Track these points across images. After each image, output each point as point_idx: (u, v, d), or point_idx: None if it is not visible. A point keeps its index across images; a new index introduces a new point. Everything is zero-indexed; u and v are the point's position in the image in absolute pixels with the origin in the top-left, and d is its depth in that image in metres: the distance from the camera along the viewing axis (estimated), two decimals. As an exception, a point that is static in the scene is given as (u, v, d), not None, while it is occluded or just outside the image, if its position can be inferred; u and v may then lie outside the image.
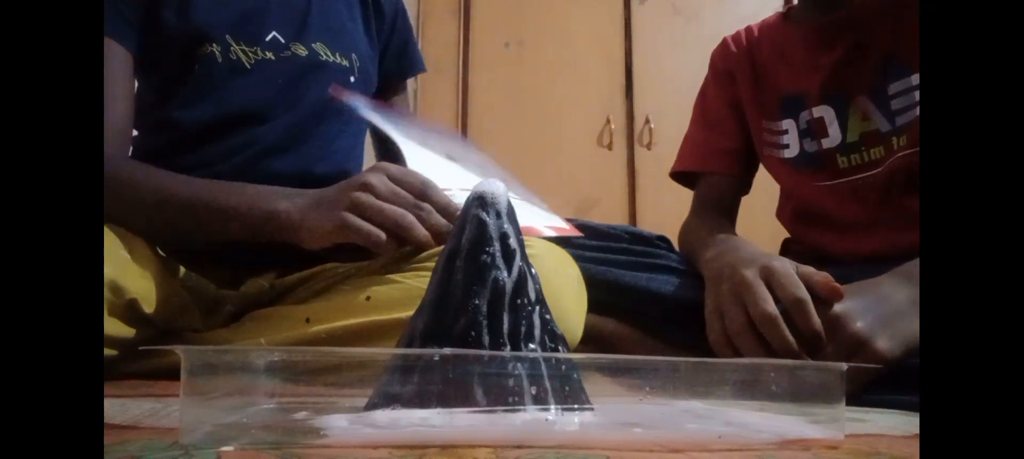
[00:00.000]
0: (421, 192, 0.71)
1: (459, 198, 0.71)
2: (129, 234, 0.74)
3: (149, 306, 0.70)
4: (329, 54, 0.92)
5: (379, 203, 0.68)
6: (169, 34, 0.86)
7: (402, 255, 0.75)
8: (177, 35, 0.86)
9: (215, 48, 0.86)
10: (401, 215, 0.68)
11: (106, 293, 0.67)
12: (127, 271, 0.70)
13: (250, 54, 0.88)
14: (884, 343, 0.64)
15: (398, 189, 0.70)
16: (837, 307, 0.67)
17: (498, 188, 0.46)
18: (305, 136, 0.88)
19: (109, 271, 0.67)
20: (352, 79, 0.94)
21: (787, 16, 0.99)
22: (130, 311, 0.69)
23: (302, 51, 0.91)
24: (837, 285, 0.66)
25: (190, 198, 0.74)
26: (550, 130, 2.44)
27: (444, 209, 0.70)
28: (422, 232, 0.68)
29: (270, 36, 0.89)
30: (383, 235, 0.68)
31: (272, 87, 0.88)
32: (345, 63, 0.94)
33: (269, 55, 0.89)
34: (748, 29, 1.03)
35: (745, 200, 1.05)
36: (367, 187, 0.69)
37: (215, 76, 0.86)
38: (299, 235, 0.72)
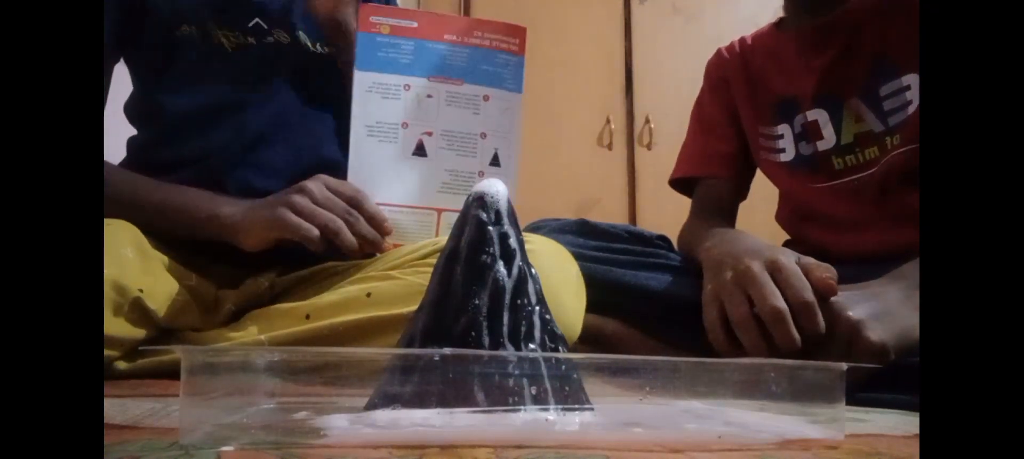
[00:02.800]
0: (353, 201, 0.76)
1: (389, 214, 0.80)
2: (131, 233, 0.75)
3: (152, 304, 0.71)
4: (311, 43, 0.93)
5: (313, 206, 0.74)
6: (153, 18, 0.88)
7: (336, 270, 0.81)
8: (159, 18, 0.88)
9: (194, 30, 0.88)
10: (331, 219, 0.74)
11: (111, 293, 0.67)
12: (130, 270, 0.70)
13: (232, 39, 0.89)
14: (876, 332, 0.64)
15: (332, 196, 0.76)
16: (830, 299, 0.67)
17: (498, 189, 0.46)
18: (289, 124, 0.88)
19: (113, 271, 0.67)
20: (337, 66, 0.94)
21: (779, 24, 1.00)
22: (134, 311, 0.69)
23: (285, 38, 0.91)
24: (832, 282, 0.66)
25: (144, 201, 0.79)
26: (550, 130, 2.43)
27: (372, 219, 0.76)
28: (349, 238, 0.74)
29: (253, 22, 0.90)
30: (316, 231, 0.73)
31: (253, 73, 0.89)
32: (329, 51, 0.94)
33: (251, 40, 0.89)
34: (742, 39, 1.04)
35: (745, 203, 1.06)
36: (304, 191, 0.75)
37: (196, 59, 0.87)
38: (237, 234, 0.77)
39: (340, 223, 0.74)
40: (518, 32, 0.85)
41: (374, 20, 0.81)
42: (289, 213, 0.73)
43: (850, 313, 0.65)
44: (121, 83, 0.94)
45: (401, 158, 0.81)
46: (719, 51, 1.07)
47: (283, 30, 0.91)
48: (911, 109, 0.83)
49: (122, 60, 0.93)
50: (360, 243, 0.75)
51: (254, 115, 0.87)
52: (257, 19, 0.90)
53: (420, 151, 0.82)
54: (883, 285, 0.70)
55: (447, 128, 0.82)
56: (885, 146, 0.85)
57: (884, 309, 0.67)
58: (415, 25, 0.82)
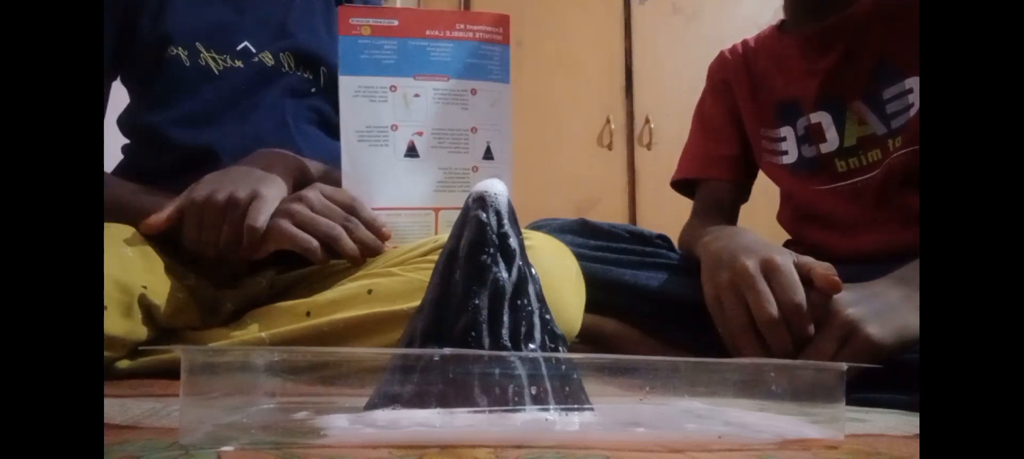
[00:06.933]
0: (350, 208, 0.76)
1: (386, 217, 0.79)
2: (131, 233, 0.75)
3: (156, 301, 0.71)
4: (292, 65, 0.95)
5: (311, 215, 0.74)
6: (143, 39, 0.91)
7: (335, 269, 0.80)
8: (148, 39, 0.90)
9: (182, 52, 0.90)
10: (330, 227, 0.74)
11: (116, 293, 0.67)
12: (132, 268, 0.70)
13: (219, 61, 0.91)
14: (875, 329, 0.65)
15: (330, 204, 0.75)
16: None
17: (498, 189, 0.46)
18: (272, 143, 0.88)
19: (115, 271, 0.67)
20: (313, 91, 0.97)
21: (782, 27, 1.00)
22: (139, 309, 0.70)
23: (269, 60, 0.93)
24: (836, 279, 0.66)
25: (139, 207, 0.78)
26: (550, 130, 2.44)
27: (370, 224, 0.76)
28: (350, 244, 0.74)
29: (242, 45, 0.93)
30: (315, 242, 0.73)
31: (235, 93, 0.91)
32: (308, 75, 0.96)
33: (238, 63, 0.92)
34: (744, 41, 1.04)
35: (746, 203, 1.06)
36: (301, 199, 0.74)
37: (182, 79, 0.89)
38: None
39: (340, 230, 0.74)
40: (501, 21, 0.83)
41: (354, 22, 0.79)
42: (288, 224, 0.72)
43: (850, 310, 0.66)
44: (118, 93, 0.97)
45: (394, 161, 0.81)
46: (721, 53, 1.07)
47: (268, 52, 0.93)
48: (913, 111, 0.83)
49: (119, 78, 0.96)
50: (360, 249, 0.75)
51: (226, 132, 0.89)
52: (246, 43, 0.93)
53: (412, 152, 0.81)
54: (883, 285, 0.70)
55: (437, 126, 0.81)
56: (887, 148, 0.86)
57: (884, 307, 0.67)
58: (396, 23, 0.80)
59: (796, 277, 0.67)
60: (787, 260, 0.68)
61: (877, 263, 0.74)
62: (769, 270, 0.68)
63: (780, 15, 1.01)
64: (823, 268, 0.67)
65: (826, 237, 0.91)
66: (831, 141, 0.90)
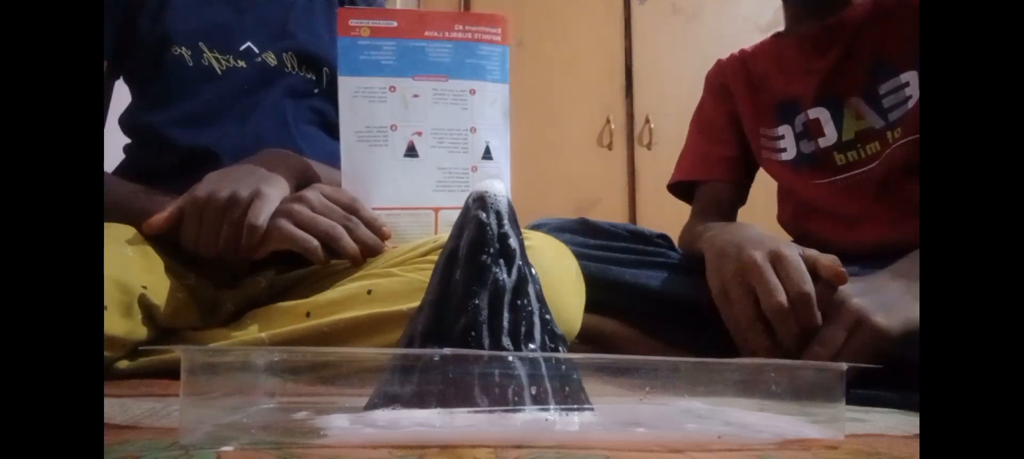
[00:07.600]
0: (350, 208, 0.76)
1: (386, 217, 0.79)
2: (131, 233, 0.75)
3: (156, 300, 0.71)
4: (294, 66, 0.95)
5: (312, 214, 0.74)
6: (143, 39, 0.91)
7: (335, 269, 0.80)
8: (149, 39, 0.91)
9: (185, 51, 0.90)
10: (331, 226, 0.74)
11: (116, 293, 0.67)
12: (132, 268, 0.70)
13: (222, 62, 0.91)
14: (883, 319, 0.65)
15: (330, 203, 0.75)
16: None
17: (498, 189, 0.46)
18: (273, 142, 0.89)
19: (115, 271, 0.67)
20: (316, 91, 0.97)
21: (779, 35, 1.01)
22: (139, 309, 0.70)
23: (272, 60, 0.93)
24: (842, 270, 0.67)
25: (138, 208, 0.78)
26: (550, 130, 2.44)
27: (370, 224, 0.76)
28: (350, 244, 0.74)
29: (244, 46, 0.93)
30: (315, 242, 0.73)
31: (236, 93, 0.91)
32: (311, 76, 0.97)
33: (241, 64, 0.92)
34: (742, 49, 1.05)
35: (745, 205, 1.06)
36: (301, 199, 0.74)
37: (184, 79, 0.90)
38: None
39: (340, 230, 0.74)
40: (499, 21, 0.83)
41: (353, 23, 0.80)
42: (288, 224, 0.72)
43: (856, 300, 0.66)
44: (118, 94, 0.98)
45: (393, 161, 0.81)
46: (719, 61, 1.08)
47: (271, 52, 0.93)
48: (911, 103, 0.84)
49: (121, 78, 0.96)
50: (360, 249, 0.75)
51: (228, 132, 0.89)
52: (249, 43, 0.93)
53: (411, 152, 0.81)
54: (883, 279, 0.70)
55: (436, 126, 0.82)
56: (886, 140, 0.86)
57: (888, 298, 0.67)
58: (395, 24, 0.80)
59: (803, 267, 0.67)
60: (793, 251, 0.69)
61: (878, 257, 0.74)
62: (776, 261, 0.68)
63: (780, 19, 1.01)
64: (829, 260, 0.67)
65: (827, 233, 0.92)
66: (829, 136, 0.91)
